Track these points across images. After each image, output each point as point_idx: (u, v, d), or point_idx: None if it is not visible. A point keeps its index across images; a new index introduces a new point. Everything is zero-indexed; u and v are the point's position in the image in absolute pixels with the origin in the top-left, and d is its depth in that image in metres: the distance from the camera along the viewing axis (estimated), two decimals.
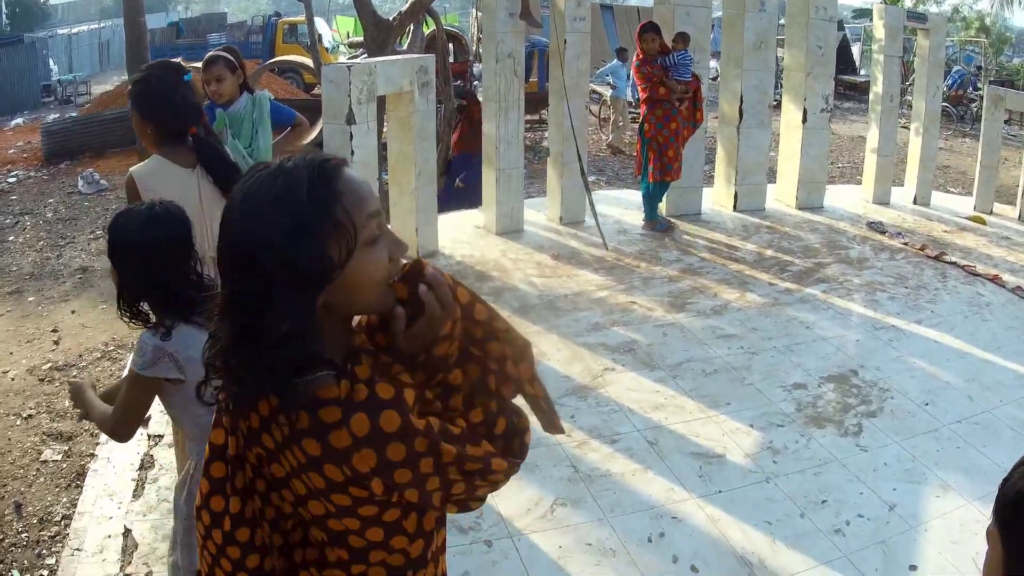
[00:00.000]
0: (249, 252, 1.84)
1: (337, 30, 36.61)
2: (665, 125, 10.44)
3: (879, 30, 13.43)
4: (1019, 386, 7.39)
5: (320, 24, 29.06)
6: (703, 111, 10.91)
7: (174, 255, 3.34)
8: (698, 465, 5.68)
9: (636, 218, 11.13)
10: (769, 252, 10.19)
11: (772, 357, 7.37)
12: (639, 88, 10.76)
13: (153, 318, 3.40)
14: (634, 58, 10.72)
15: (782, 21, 14.67)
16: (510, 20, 10.08)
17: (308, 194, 1.86)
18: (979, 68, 41.67)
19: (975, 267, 10.46)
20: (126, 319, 3.40)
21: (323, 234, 1.85)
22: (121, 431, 3.43)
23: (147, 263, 3.27)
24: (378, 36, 12.80)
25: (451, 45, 21.34)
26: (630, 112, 20.72)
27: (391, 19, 13.06)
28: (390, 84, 8.76)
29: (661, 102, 10.41)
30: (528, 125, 16.88)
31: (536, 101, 18.92)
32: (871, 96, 14.03)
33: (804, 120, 12.28)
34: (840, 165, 19.69)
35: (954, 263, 10.54)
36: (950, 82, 35.39)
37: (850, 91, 31.69)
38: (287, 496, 1.98)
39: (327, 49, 29.10)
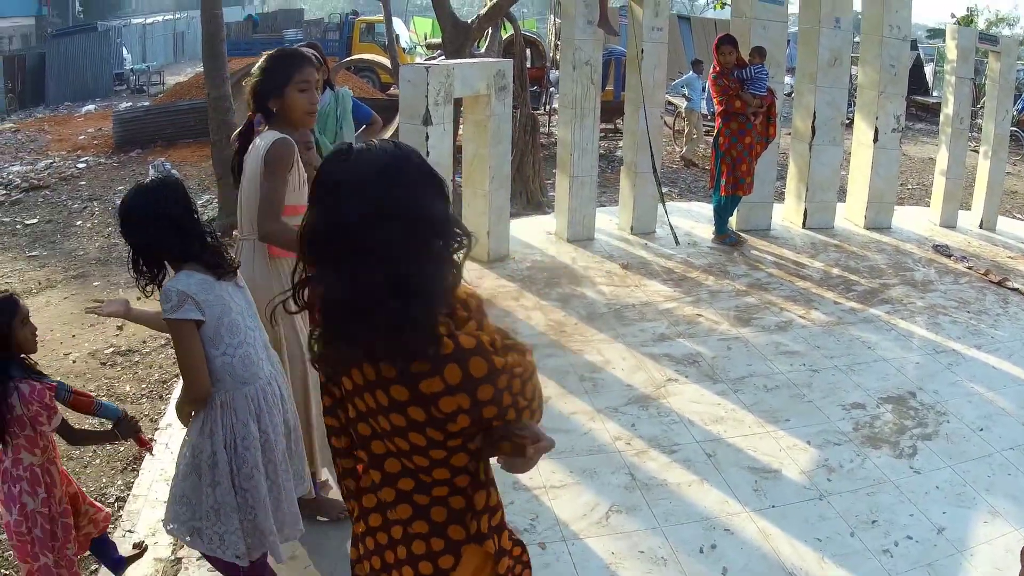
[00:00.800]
0: (402, 213, 2.21)
1: (415, 31, 36.83)
2: (740, 139, 10.56)
3: (951, 51, 13.43)
4: None
5: (398, 24, 29.50)
6: (776, 126, 11.02)
7: (181, 207, 3.67)
8: (754, 479, 5.83)
9: (707, 231, 11.29)
10: (835, 271, 10.29)
11: (833, 375, 7.49)
12: (715, 101, 10.84)
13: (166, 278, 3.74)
14: (711, 70, 10.85)
15: (857, 39, 14.67)
16: (588, 28, 10.27)
17: (419, 166, 2.29)
18: None
19: None
20: (143, 284, 3.71)
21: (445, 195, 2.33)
22: (196, 385, 3.63)
23: (159, 219, 3.59)
24: (456, 38, 13.05)
25: (528, 50, 21.49)
26: (704, 125, 20.78)
27: (469, 22, 13.25)
28: (467, 87, 8.97)
29: (736, 115, 10.53)
30: (602, 134, 16.97)
31: (611, 110, 18.95)
32: (941, 118, 14.05)
33: (875, 139, 12.33)
34: (910, 186, 19.57)
35: (1016, 289, 10.53)
36: (1020, 106, 34.88)
37: (922, 112, 31.31)
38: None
39: (404, 49, 29.38)
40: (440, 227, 2.29)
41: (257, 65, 4.71)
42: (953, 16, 43.16)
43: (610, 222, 11.53)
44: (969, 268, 11.21)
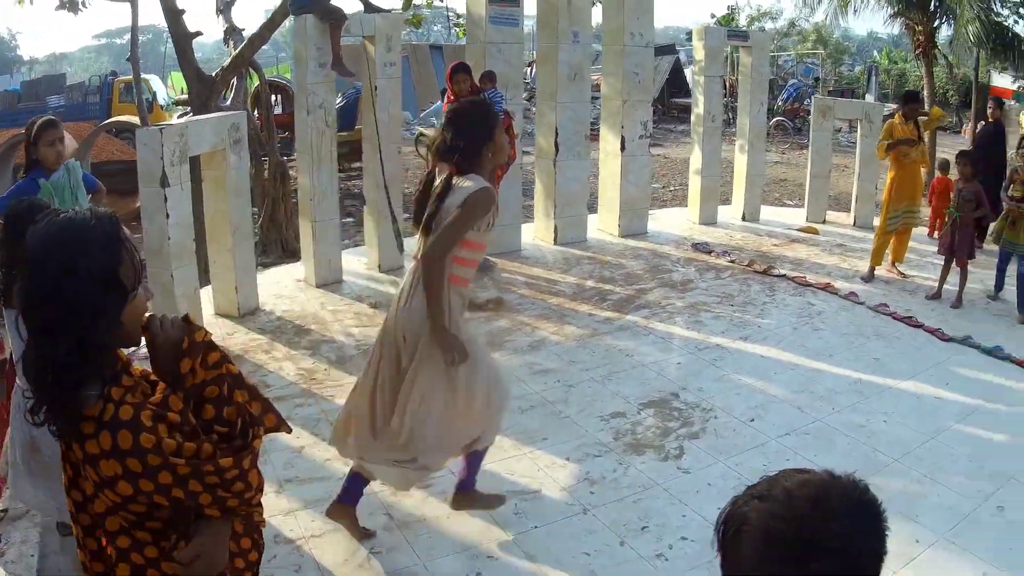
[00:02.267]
0: (68, 275, 2.40)
1: (172, 86, 36.51)
2: None
3: (699, 51, 14.15)
4: (853, 391, 7.94)
5: (155, 81, 29.78)
6: (516, 148, 11.19)
7: None
8: (514, 502, 5.87)
9: None
10: (589, 283, 10.56)
11: (590, 388, 7.68)
12: None
13: None
14: (444, 102, 11.04)
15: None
16: (321, 71, 10.30)
17: (105, 232, 2.48)
18: (817, 79, 43.51)
19: (805, 277, 11.06)
20: None
21: (122, 260, 2.49)
22: None
23: None
24: (202, 92, 13.14)
25: (277, 96, 21.56)
26: None
27: (214, 75, 13.30)
28: (203, 143, 8.95)
29: None
30: (357, 172, 17.26)
31: (360, 149, 19.14)
32: (693, 117, 14.71)
33: (623, 148, 12.81)
34: (672, 188, 20.38)
35: (783, 276, 11.13)
36: (785, 95, 36.90)
37: (684, 114, 32.70)
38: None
39: (162, 107, 29.19)
40: (113, 290, 2.45)
41: None
42: (713, 16, 45.29)
43: (359, 262, 11.62)
44: (732, 262, 11.74)
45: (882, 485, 6.24)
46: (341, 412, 5.56)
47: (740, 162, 14.89)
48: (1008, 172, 11.36)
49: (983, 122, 15.31)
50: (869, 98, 36.79)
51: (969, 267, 10.71)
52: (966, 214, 10.58)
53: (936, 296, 10.84)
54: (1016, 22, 24.45)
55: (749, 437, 6.92)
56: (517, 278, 11.00)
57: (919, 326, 9.80)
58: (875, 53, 63.05)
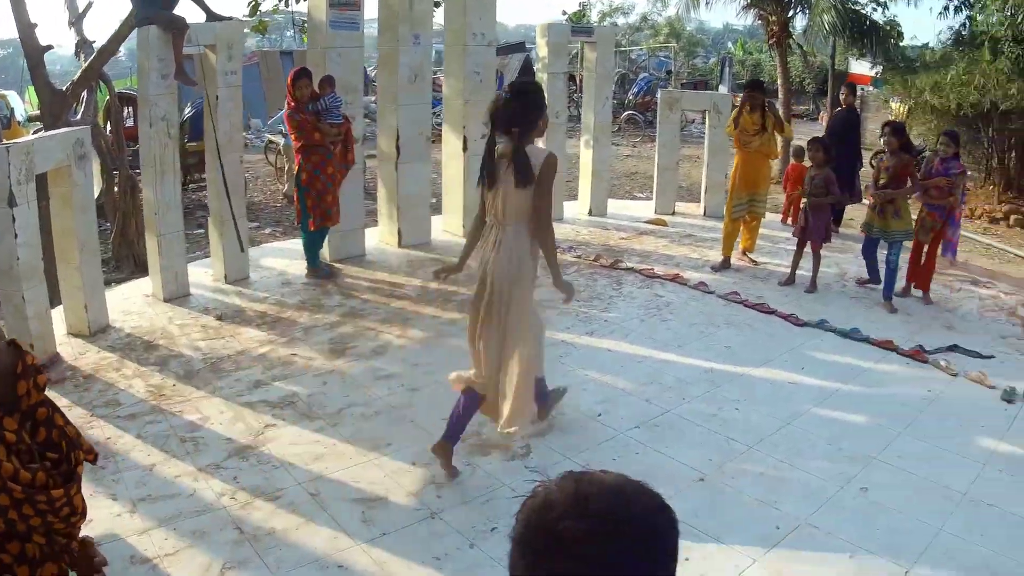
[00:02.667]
0: None
1: (29, 101, 35.78)
2: (323, 171, 10.86)
3: (543, 48, 14.34)
4: (704, 380, 8.19)
5: (13, 97, 29.64)
6: (354, 152, 11.37)
7: None
8: (361, 510, 5.93)
9: (300, 268, 11.44)
10: (433, 285, 10.60)
11: (434, 391, 7.73)
12: (292, 137, 11.01)
13: None
14: (285, 108, 11.04)
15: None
16: (163, 82, 10.13)
17: None
18: (669, 72, 44.33)
19: (653, 269, 11.30)
20: None
21: None
22: None
23: None
24: (53, 106, 12.96)
25: (129, 108, 21.28)
26: None
27: (64, 88, 13.12)
28: (49, 160, 8.79)
29: (316, 148, 10.80)
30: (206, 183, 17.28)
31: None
32: None
33: (465, 148, 12.92)
34: None
35: (630, 269, 11.36)
36: (636, 89, 37.53)
37: None
38: None
39: (19, 123, 28.65)
40: None
41: None
42: (565, 12, 45.80)
43: (206, 274, 11.54)
44: (578, 257, 11.95)
45: (738, 472, 6.51)
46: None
47: (586, 157, 15.12)
48: (871, 160, 11.83)
49: (838, 109, 15.73)
50: (723, 89, 37.57)
51: (824, 251, 11.11)
52: (819, 199, 10.99)
53: (789, 282, 11.29)
54: (874, 9, 25.06)
55: (597, 432, 7.08)
56: (361, 283, 11.04)
57: (772, 312, 10.12)
58: (730, 45, 64.40)
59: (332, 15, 11.48)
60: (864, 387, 8.27)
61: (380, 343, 8.99)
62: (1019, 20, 20.43)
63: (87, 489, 3.55)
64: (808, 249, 11.15)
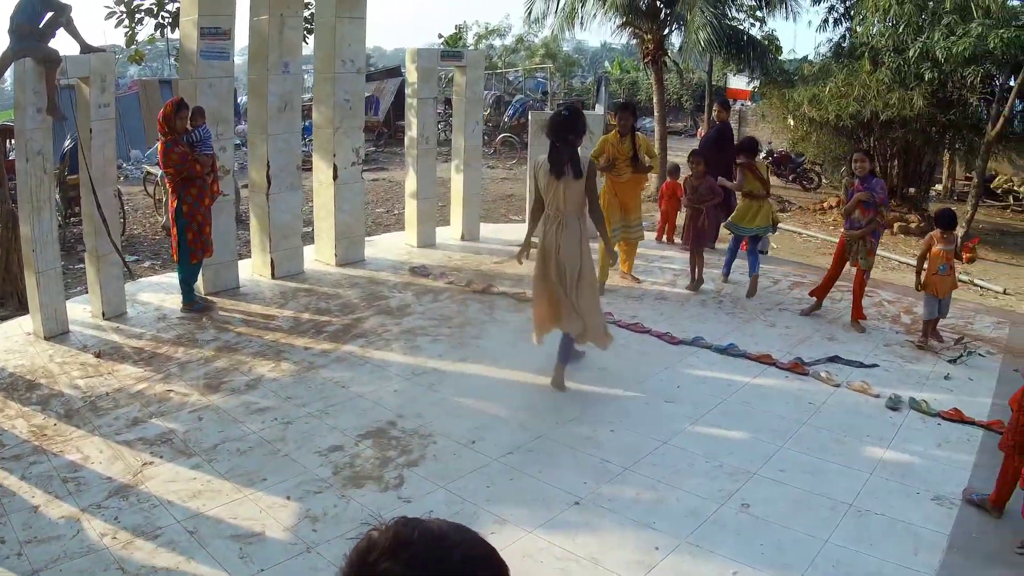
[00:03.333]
0: None
1: None
2: (201, 203, 10.76)
3: (412, 74, 14.36)
4: (577, 402, 8.34)
5: None
6: (219, 183, 11.23)
7: None
8: (238, 547, 5.94)
9: (176, 302, 11.32)
10: (306, 316, 10.69)
11: (307, 423, 7.81)
12: (167, 171, 10.78)
13: None
14: (159, 140, 10.81)
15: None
16: (38, 117, 9.96)
17: None
18: (545, 93, 44.70)
19: (525, 293, 11.43)
20: None
21: None
22: None
23: None
24: None
25: (9, 142, 21.00)
26: None
27: None
28: None
29: (195, 180, 10.65)
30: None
31: None
32: (407, 140, 14.90)
33: (335, 176, 12.94)
34: (396, 212, 20.67)
35: (503, 293, 11.50)
36: (511, 111, 37.82)
37: None
38: None
39: None
40: None
41: None
42: (441, 36, 45.95)
43: (84, 311, 11.34)
44: (450, 283, 12.07)
45: (614, 494, 6.62)
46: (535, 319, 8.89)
47: (457, 182, 15.18)
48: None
49: (713, 125, 16.01)
50: (599, 109, 37.93)
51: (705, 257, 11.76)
52: (706, 206, 11.94)
53: (695, 286, 12.23)
54: (752, 24, 25.53)
55: (470, 460, 7.16)
56: (235, 316, 11.00)
57: (646, 331, 10.31)
58: (607, 64, 65.10)
59: (203, 45, 11.40)
60: (742, 403, 8.48)
61: (253, 376, 8.99)
62: (900, 30, 20.97)
63: None
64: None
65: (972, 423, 8.15)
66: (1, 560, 5.76)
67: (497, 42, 57.05)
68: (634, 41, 27.09)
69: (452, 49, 14.35)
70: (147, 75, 38.66)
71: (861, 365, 9.49)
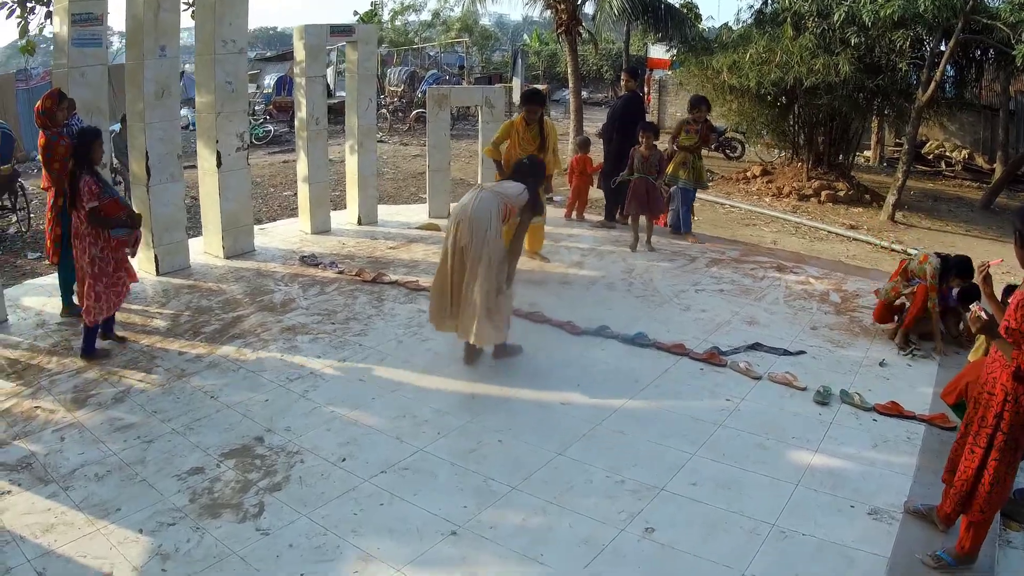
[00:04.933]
0: None
1: None
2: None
3: (299, 51, 13.84)
4: (464, 409, 7.87)
5: None
6: None
7: None
8: None
9: (57, 306, 10.76)
10: (186, 315, 10.23)
11: (169, 442, 7.32)
12: (53, 166, 10.04)
13: None
14: (40, 137, 10.15)
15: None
16: None
17: None
18: (462, 67, 44.49)
19: (417, 281, 11.07)
20: None
21: None
22: None
23: None
24: None
25: None
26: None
27: None
28: None
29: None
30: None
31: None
32: (296, 122, 14.44)
33: (219, 164, 12.45)
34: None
35: (394, 282, 11.10)
36: (424, 87, 37.53)
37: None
38: None
39: None
40: None
41: None
42: (356, 13, 45.63)
43: None
44: (340, 273, 11.66)
45: (497, 520, 6.14)
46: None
47: (351, 163, 14.84)
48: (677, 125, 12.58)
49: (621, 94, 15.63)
50: (516, 82, 37.85)
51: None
52: (657, 177, 12.72)
53: (638, 246, 12.76)
54: None
55: (339, 481, 6.71)
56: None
57: (545, 321, 9.90)
58: (526, 37, 65.03)
59: (75, 32, 10.91)
60: (651, 402, 7.99)
61: (122, 388, 8.47)
62: None
63: None
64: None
65: (912, 418, 7.74)
66: None
67: (413, 17, 56.97)
68: (548, 12, 26.82)
69: (342, 25, 13.81)
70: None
71: (786, 353, 9.15)
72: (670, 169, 13.31)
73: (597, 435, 7.37)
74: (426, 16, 58.46)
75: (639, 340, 9.33)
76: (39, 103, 10.15)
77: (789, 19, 22.08)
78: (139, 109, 11.82)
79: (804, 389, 8.26)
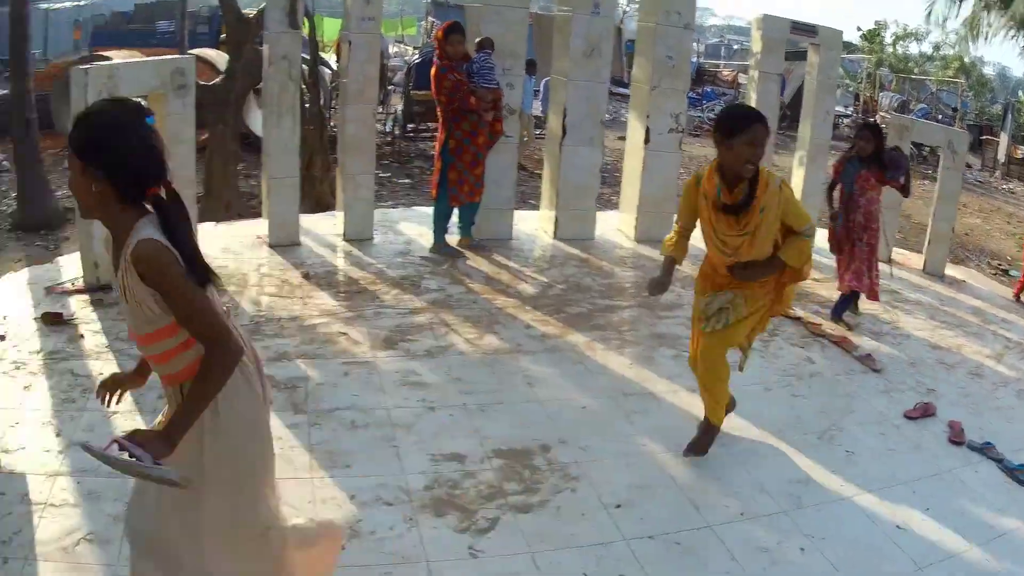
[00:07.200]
0: None
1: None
2: (473, 140, 9.95)
3: (756, 43, 12.66)
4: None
5: None
6: (503, 122, 10.33)
7: None
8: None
9: (428, 239, 10.53)
10: (558, 288, 9.41)
11: (451, 416, 6.40)
12: (439, 99, 9.97)
13: None
14: (433, 64, 10.08)
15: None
16: (285, 20, 9.75)
17: None
18: (955, 109, 42.06)
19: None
20: None
21: None
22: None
23: None
24: (238, 32, 13.35)
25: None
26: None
27: (251, 16, 13.31)
28: (135, 85, 8.58)
29: (468, 114, 9.85)
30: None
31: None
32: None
33: (647, 140, 11.55)
34: None
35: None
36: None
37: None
38: None
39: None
40: None
41: None
42: (859, 29, 44.83)
43: (333, 226, 10.90)
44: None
45: None
46: None
47: (798, 176, 13.21)
48: None
49: None
50: (1003, 136, 35.07)
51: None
52: None
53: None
54: None
55: (595, 528, 5.28)
56: (481, 270, 9.91)
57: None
58: (1020, 93, 61.25)
59: None
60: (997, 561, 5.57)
61: (441, 343, 7.72)
62: None
63: None
64: None
65: None
66: None
67: (913, 46, 55.12)
68: None
69: (804, 23, 12.40)
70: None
71: None
72: None
73: None
74: (927, 48, 56.03)
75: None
76: (436, 31, 10.25)
77: None
78: (563, 64, 11.34)
79: None
